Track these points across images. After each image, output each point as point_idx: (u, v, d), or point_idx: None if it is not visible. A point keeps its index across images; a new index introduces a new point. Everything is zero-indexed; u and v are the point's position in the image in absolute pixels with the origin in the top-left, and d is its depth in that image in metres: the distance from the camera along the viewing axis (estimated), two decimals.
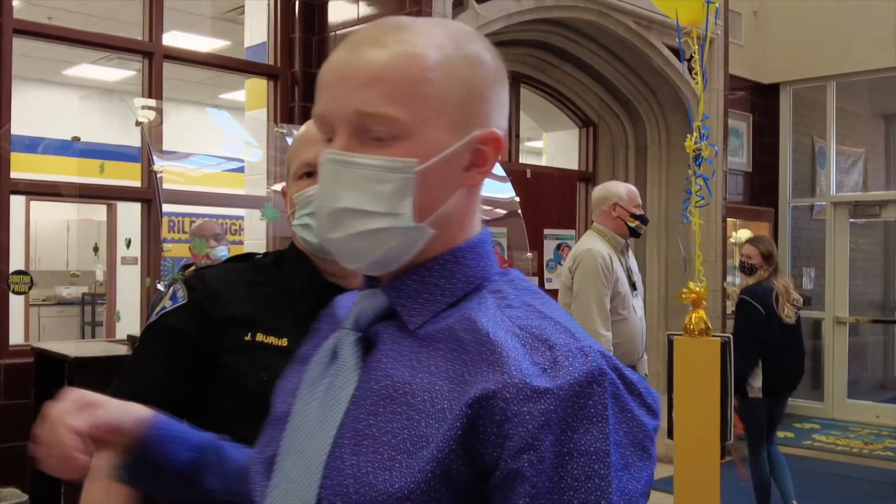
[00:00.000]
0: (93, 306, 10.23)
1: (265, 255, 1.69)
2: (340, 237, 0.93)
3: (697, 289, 2.04)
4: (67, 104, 9.85)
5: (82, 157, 8.54)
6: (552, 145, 8.21)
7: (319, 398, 0.95)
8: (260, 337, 1.53)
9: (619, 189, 4.22)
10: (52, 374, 3.68)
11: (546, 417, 0.80)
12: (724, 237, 7.27)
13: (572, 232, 7.08)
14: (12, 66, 4.49)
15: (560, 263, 6.72)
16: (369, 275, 0.99)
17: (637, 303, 4.18)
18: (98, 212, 10.34)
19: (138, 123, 4.04)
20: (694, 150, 2.20)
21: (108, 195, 7.26)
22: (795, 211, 9.25)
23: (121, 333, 8.83)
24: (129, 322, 9.28)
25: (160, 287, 3.47)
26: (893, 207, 8.86)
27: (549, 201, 6.90)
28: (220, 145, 5.97)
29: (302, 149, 1.55)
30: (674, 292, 6.92)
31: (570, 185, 7.32)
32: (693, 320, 2.03)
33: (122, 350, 3.40)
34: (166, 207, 4.01)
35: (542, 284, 5.71)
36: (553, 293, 6.46)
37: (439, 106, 0.91)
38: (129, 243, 5.23)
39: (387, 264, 0.95)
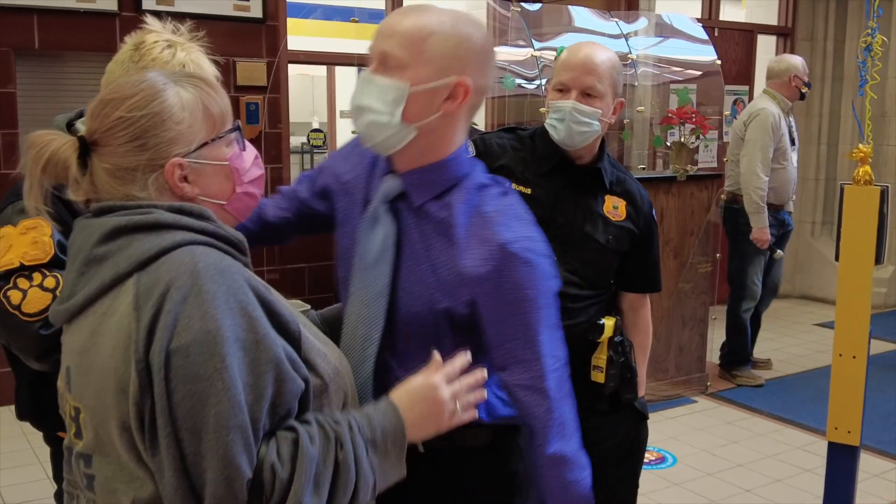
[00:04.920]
0: (311, 155, 10.39)
1: (525, 130, 2.47)
2: (360, 124, 1.52)
3: (866, 149, 2.61)
4: None
5: (330, 20, 8.83)
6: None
7: (374, 246, 1.56)
8: (514, 186, 2.29)
9: (797, 62, 5.25)
10: None
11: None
12: None
13: (746, 87, 7.48)
14: None
15: (735, 117, 7.17)
16: (391, 166, 1.59)
17: (794, 155, 5.24)
18: (316, 69, 11.01)
19: None
20: (863, 42, 2.68)
21: (366, 63, 7.65)
22: None
23: None
24: None
25: None
26: None
27: (731, 58, 7.28)
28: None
29: (561, 71, 2.32)
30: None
31: (751, 42, 7.61)
32: (860, 173, 2.61)
33: None
34: None
35: (720, 137, 6.35)
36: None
37: (429, 57, 1.46)
38: None
39: (387, 148, 1.53)
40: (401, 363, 1.56)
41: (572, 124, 2.25)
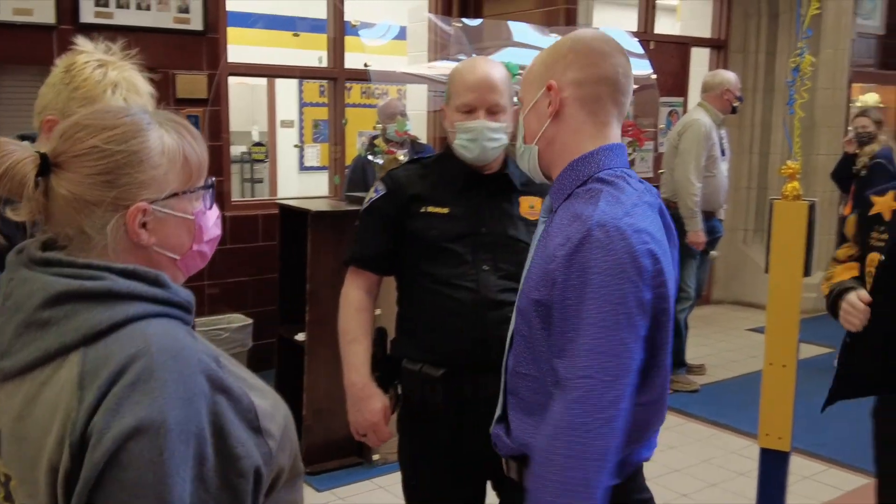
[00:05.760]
0: (251, 164, 10.32)
1: (428, 157, 2.54)
2: (521, 166, 1.82)
3: (794, 165, 2.72)
4: None
5: (273, 29, 8.69)
6: (686, 11, 8.55)
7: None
8: (430, 209, 2.37)
9: (730, 77, 5.51)
10: (295, 224, 4.35)
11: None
12: (848, 103, 7.64)
13: (681, 99, 7.67)
14: None
15: (671, 128, 7.40)
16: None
17: (724, 165, 5.49)
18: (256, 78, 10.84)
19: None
20: (792, 63, 2.78)
21: (308, 76, 7.67)
22: None
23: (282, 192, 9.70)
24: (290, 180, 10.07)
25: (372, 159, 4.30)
26: None
27: (666, 70, 7.44)
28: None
29: (462, 92, 2.33)
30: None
31: (685, 54, 7.80)
32: (789, 189, 2.72)
33: (346, 206, 4.23)
34: None
35: (656, 149, 6.61)
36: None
37: (529, 83, 1.74)
38: (345, 122, 5.71)
39: (532, 171, 1.78)
40: (513, 360, 1.73)
41: (485, 142, 2.30)
